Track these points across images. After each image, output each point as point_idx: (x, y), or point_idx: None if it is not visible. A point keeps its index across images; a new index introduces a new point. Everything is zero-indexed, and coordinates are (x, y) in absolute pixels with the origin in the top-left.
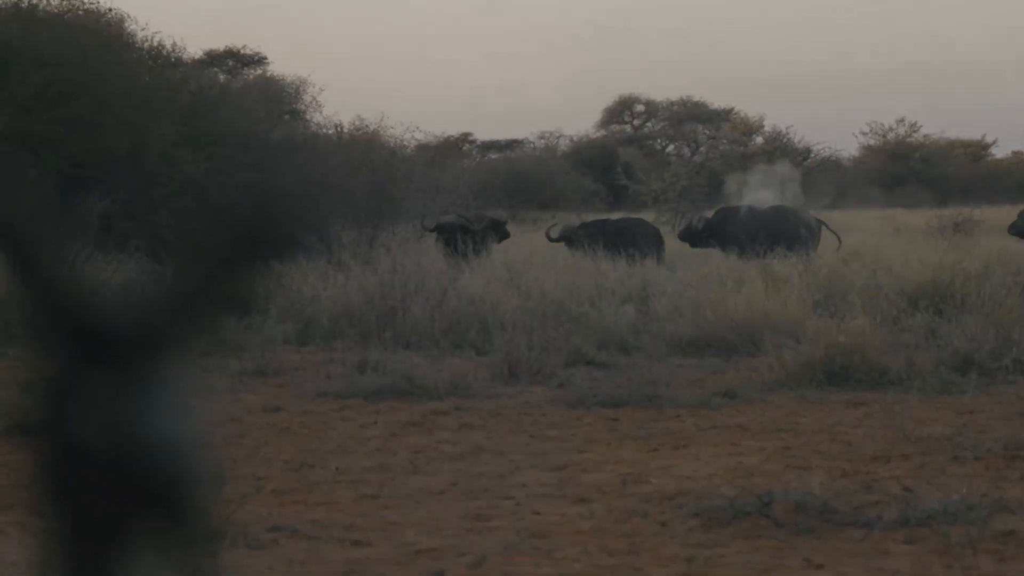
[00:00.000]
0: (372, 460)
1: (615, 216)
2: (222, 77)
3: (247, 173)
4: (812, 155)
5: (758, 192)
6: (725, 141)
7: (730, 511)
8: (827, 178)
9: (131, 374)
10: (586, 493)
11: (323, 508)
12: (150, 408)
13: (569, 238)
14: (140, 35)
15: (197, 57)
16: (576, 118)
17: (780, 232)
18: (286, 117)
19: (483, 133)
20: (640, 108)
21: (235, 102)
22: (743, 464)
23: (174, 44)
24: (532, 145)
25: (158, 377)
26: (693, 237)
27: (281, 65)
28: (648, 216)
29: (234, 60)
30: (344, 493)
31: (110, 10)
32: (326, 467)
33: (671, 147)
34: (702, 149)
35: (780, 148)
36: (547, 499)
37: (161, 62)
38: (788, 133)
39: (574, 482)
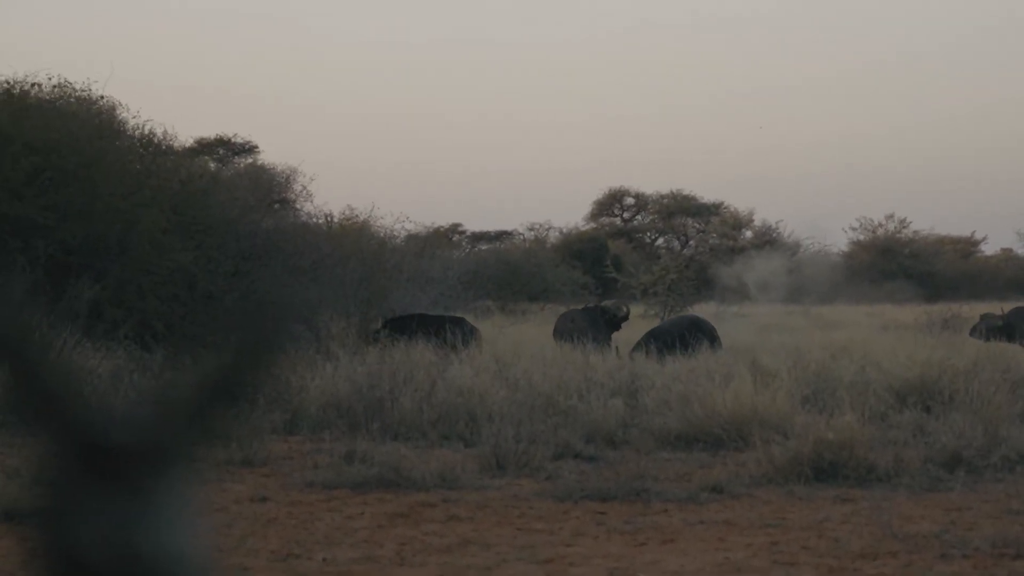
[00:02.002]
0: (359, 551)
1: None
2: (212, 165)
3: (236, 262)
4: (802, 249)
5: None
6: (715, 235)
7: None
8: (816, 273)
9: (126, 475)
10: None
11: None
12: (148, 513)
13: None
14: (131, 123)
15: (188, 145)
16: (566, 210)
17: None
18: (276, 206)
19: (473, 224)
20: (630, 201)
21: (225, 190)
22: (730, 560)
23: (165, 132)
24: (522, 237)
25: (155, 480)
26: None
27: (272, 154)
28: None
29: (225, 148)
30: None
31: (102, 97)
32: (313, 558)
33: (661, 240)
34: (692, 242)
35: (769, 242)
36: None
37: (152, 150)
38: (778, 227)
39: None
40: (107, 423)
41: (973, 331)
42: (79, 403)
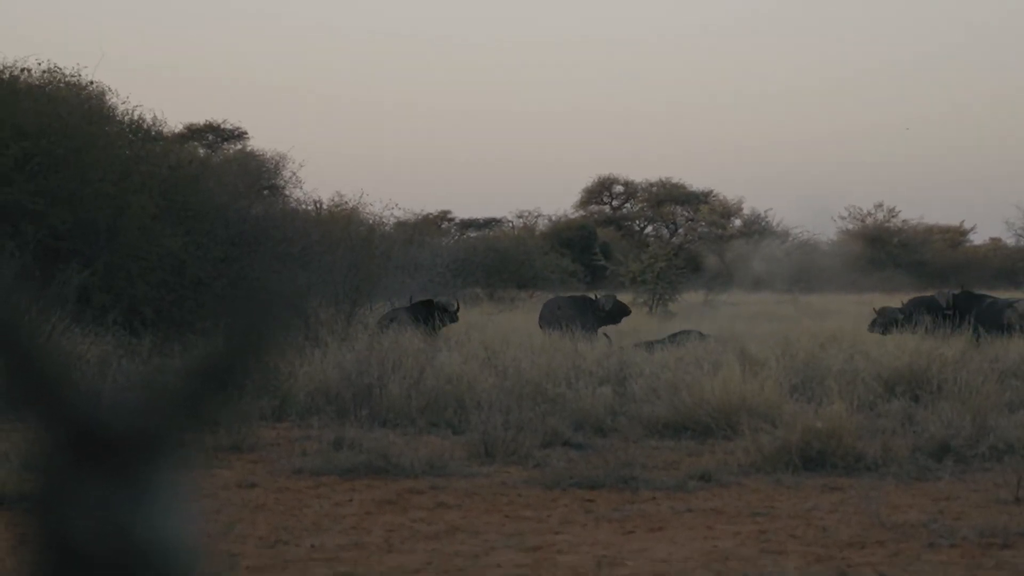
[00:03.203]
0: (347, 538)
1: None
2: (202, 151)
3: (225, 248)
4: (791, 238)
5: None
6: (704, 223)
7: None
8: (805, 262)
9: (115, 461)
10: (561, 575)
11: None
12: (137, 498)
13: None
14: (121, 108)
15: (177, 131)
16: (555, 198)
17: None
18: (265, 192)
19: (462, 211)
20: (619, 189)
21: (215, 176)
22: (718, 548)
23: (154, 118)
24: (511, 224)
25: (144, 466)
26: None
27: (261, 140)
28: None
29: (214, 134)
30: (319, 571)
31: (91, 83)
32: (301, 544)
33: (650, 228)
34: (681, 231)
35: (759, 231)
36: None
37: (141, 135)
38: (767, 216)
39: (549, 563)
40: (96, 409)
41: (872, 325)
42: (68, 389)
